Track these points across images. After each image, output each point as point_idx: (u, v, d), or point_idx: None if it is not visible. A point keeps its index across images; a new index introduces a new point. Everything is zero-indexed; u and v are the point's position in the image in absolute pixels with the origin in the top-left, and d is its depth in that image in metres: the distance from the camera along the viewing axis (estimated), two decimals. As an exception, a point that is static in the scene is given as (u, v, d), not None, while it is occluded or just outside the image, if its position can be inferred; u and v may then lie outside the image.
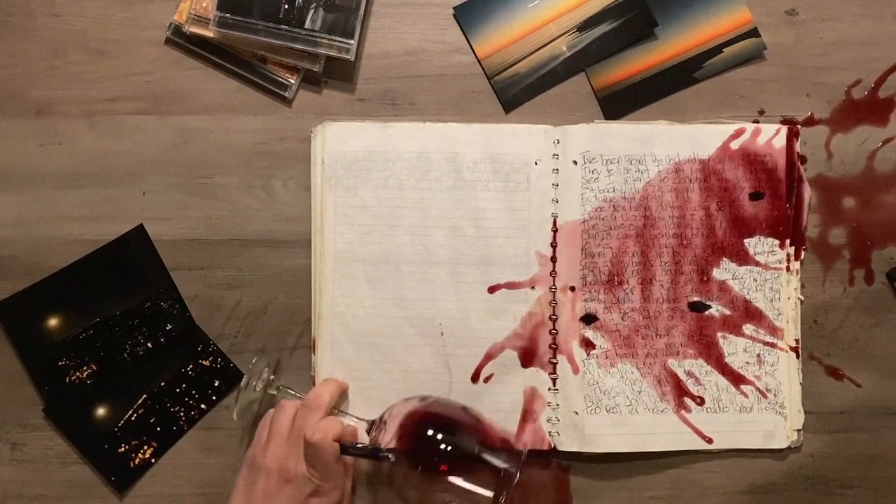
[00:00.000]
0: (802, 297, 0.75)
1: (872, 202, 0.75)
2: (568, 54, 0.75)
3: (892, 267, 0.75)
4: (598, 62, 0.75)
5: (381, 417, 0.69)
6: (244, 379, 0.71)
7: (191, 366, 0.75)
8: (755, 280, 0.74)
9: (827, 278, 0.75)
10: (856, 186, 0.75)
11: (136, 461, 0.74)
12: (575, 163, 0.74)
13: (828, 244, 0.75)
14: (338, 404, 0.71)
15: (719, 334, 0.74)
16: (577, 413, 0.73)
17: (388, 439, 0.66)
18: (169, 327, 0.75)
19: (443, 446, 0.65)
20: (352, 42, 0.73)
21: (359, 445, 0.68)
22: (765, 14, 0.75)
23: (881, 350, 0.75)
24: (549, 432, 0.74)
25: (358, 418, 0.71)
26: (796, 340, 0.74)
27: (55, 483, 0.74)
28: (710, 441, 0.74)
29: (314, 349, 0.74)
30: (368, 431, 0.69)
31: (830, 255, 0.75)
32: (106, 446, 0.74)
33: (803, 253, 0.75)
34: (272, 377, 0.73)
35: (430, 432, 0.66)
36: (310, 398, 0.69)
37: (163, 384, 0.75)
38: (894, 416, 0.75)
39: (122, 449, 0.74)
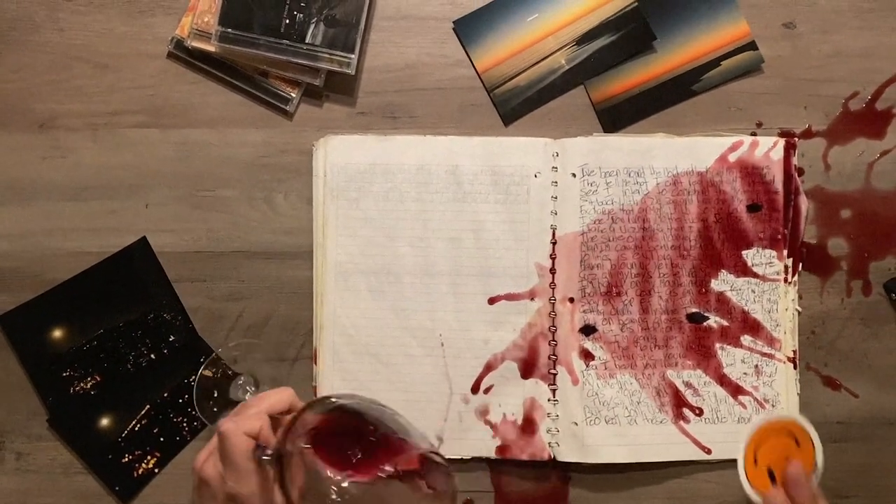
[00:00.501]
0: (800, 309, 0.76)
1: (870, 214, 0.76)
2: (567, 67, 0.76)
3: (889, 278, 0.76)
4: (596, 75, 0.76)
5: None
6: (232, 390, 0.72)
7: (193, 377, 0.76)
8: (753, 291, 0.75)
9: (824, 289, 0.76)
10: (853, 198, 0.76)
11: (140, 471, 0.75)
12: (574, 175, 0.75)
13: (826, 255, 0.76)
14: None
15: (717, 345, 0.75)
16: (576, 424, 0.74)
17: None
18: (172, 339, 0.76)
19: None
20: (352, 56, 0.74)
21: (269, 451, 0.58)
22: (763, 27, 0.76)
23: (878, 360, 0.76)
24: (549, 443, 0.75)
25: None
26: (794, 351, 0.75)
27: (59, 493, 0.76)
28: (708, 451, 0.75)
29: (316, 360, 0.75)
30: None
31: (828, 267, 0.76)
32: (110, 456, 0.75)
33: (801, 264, 0.76)
34: (253, 390, 0.73)
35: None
36: (253, 397, 0.63)
37: (166, 395, 0.76)
38: (891, 425, 0.76)
39: (126, 459, 0.75)
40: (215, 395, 0.74)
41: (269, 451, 0.57)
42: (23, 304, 0.76)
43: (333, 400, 0.58)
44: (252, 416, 0.59)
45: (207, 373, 0.74)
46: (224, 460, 0.58)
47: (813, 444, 0.66)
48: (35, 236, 0.76)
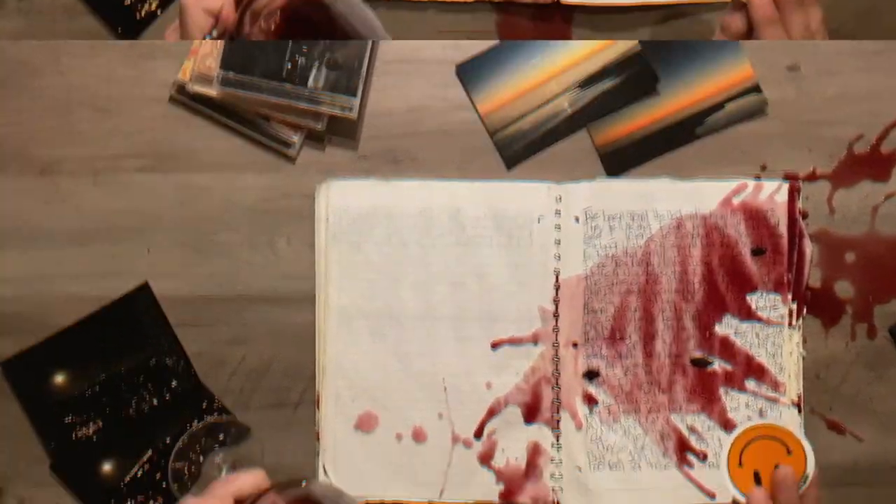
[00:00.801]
0: (804, 352, 0.76)
1: (875, 257, 0.76)
2: (569, 111, 0.76)
3: (894, 322, 0.76)
4: (599, 118, 0.76)
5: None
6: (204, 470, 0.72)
7: (196, 422, 0.76)
8: (757, 335, 0.75)
9: (829, 333, 0.76)
10: (858, 241, 0.76)
11: (143, 517, 0.75)
12: (577, 220, 0.75)
13: (830, 299, 0.76)
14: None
15: (721, 389, 0.75)
16: (580, 469, 0.74)
17: None
18: (174, 384, 0.76)
19: None
20: (354, 100, 0.74)
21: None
22: (766, 69, 0.76)
23: (883, 405, 0.76)
24: (553, 488, 0.75)
25: None
26: (798, 395, 0.75)
27: (62, 539, 0.76)
28: (712, 496, 0.75)
29: (318, 405, 0.75)
30: None
31: (833, 310, 0.76)
32: (112, 502, 0.75)
33: (805, 308, 0.76)
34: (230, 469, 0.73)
35: None
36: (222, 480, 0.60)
37: (168, 440, 0.76)
38: (896, 470, 0.76)
39: (129, 505, 0.75)
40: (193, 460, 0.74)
41: (216, 33, 0.60)
42: (25, 350, 0.76)
43: (303, 484, 0.58)
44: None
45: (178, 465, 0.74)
46: (182, 34, 0.61)
47: (805, 454, 0.66)
48: (37, 281, 0.76)
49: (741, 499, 0.67)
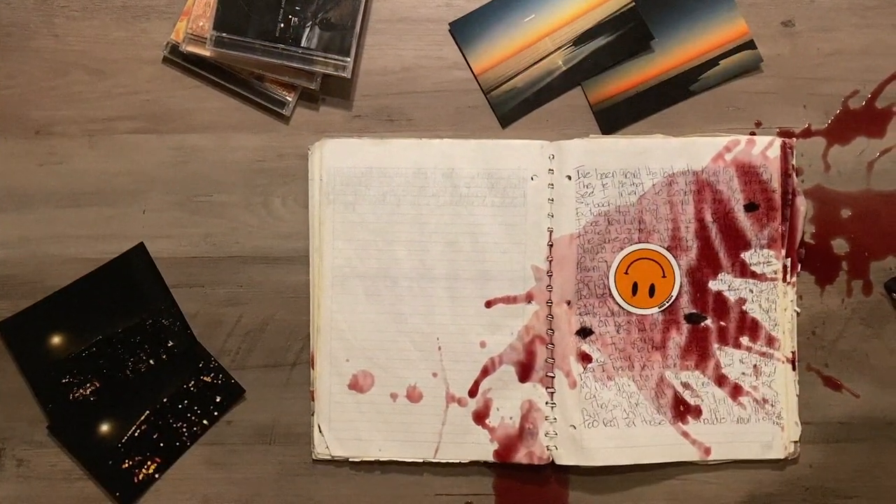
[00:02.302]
0: (799, 309, 0.77)
1: (870, 213, 0.77)
2: (564, 69, 0.77)
3: (890, 277, 0.77)
4: (594, 76, 0.77)
5: None
6: None
7: (192, 382, 0.77)
8: (751, 291, 0.76)
9: (824, 289, 0.77)
10: (853, 197, 0.77)
11: (140, 477, 0.77)
12: (569, 178, 0.76)
13: (826, 255, 0.77)
14: None
15: (715, 346, 0.77)
16: (574, 427, 0.76)
17: None
18: (170, 344, 0.77)
19: None
20: (348, 60, 0.76)
21: None
22: (761, 26, 0.77)
23: (879, 361, 0.77)
24: (548, 446, 0.76)
25: None
26: (792, 352, 0.77)
27: (60, 499, 0.78)
28: (707, 452, 0.76)
29: (313, 364, 0.77)
30: None
31: (828, 266, 0.77)
32: (110, 462, 0.77)
33: (800, 264, 0.77)
34: None
35: None
36: None
37: (165, 400, 0.77)
38: (893, 425, 0.77)
39: (126, 465, 0.77)
40: None
41: None
42: (21, 311, 0.77)
43: None
44: None
45: None
46: None
47: (675, 280, 0.74)
48: (33, 243, 0.78)
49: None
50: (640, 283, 0.76)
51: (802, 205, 0.77)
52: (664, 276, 0.75)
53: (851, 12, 0.78)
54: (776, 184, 0.77)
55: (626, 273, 0.75)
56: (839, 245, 0.78)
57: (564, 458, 0.76)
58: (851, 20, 0.78)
